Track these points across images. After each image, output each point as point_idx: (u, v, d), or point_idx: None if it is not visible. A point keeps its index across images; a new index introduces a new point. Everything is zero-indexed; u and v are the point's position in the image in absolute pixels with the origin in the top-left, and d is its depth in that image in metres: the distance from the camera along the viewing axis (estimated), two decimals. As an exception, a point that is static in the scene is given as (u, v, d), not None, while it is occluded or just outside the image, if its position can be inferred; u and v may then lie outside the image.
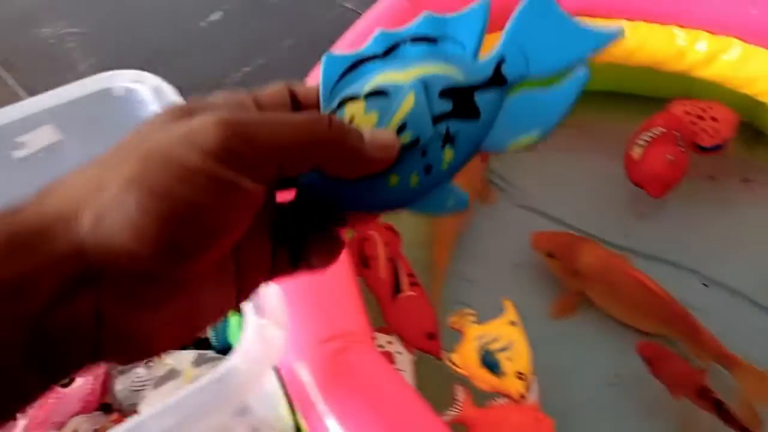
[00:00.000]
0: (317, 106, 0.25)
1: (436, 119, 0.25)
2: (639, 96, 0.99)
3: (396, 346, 0.71)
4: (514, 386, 0.67)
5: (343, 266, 0.62)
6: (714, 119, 0.86)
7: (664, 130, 0.84)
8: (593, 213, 0.88)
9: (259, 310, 0.48)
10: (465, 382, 0.69)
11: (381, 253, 0.78)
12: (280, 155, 0.20)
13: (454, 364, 0.70)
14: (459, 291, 0.82)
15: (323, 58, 0.26)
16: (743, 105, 0.90)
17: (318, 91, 0.26)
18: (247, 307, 0.49)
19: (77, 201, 0.18)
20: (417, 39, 0.27)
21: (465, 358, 0.70)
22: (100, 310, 0.18)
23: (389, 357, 0.70)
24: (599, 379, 0.74)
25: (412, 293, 0.75)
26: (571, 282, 0.80)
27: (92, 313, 0.18)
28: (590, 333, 0.77)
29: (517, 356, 0.69)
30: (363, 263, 0.78)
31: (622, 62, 0.92)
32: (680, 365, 0.69)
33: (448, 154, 0.25)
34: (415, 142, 0.25)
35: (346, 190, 0.25)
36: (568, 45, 0.26)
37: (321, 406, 0.50)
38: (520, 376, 0.68)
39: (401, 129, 0.25)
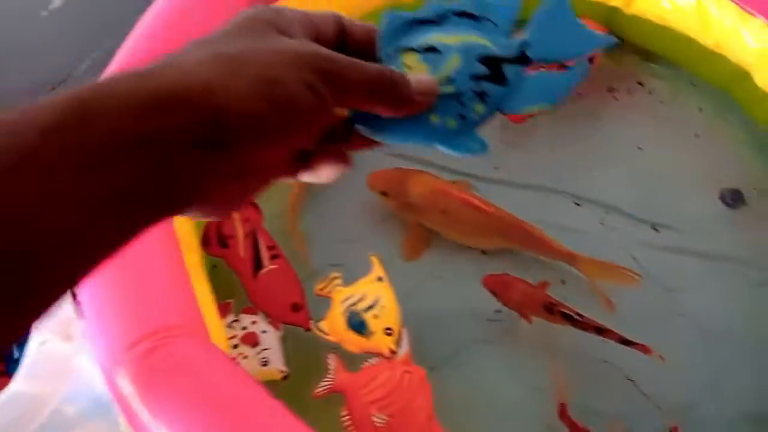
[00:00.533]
0: (364, 42, 0.30)
1: (474, 78, 0.32)
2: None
3: (260, 325, 0.67)
4: (384, 343, 0.65)
5: (166, 255, 0.57)
6: None
7: None
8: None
9: (41, 324, 0.44)
10: (337, 349, 0.67)
11: (239, 230, 0.74)
12: (356, 93, 0.27)
13: (323, 332, 0.67)
14: (332, 254, 0.79)
15: (385, 15, 0.32)
16: (600, 13, 0.88)
17: (365, 30, 0.31)
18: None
19: (212, 79, 0.23)
20: (462, 14, 0.35)
21: (333, 324, 0.67)
22: (206, 170, 0.23)
23: (253, 338, 0.67)
24: (480, 315, 0.73)
25: (274, 266, 0.71)
26: (409, 216, 0.78)
27: (202, 171, 0.23)
28: (463, 272, 0.75)
29: (384, 312, 0.66)
30: (221, 243, 0.73)
31: None
32: (523, 288, 0.69)
33: (479, 108, 0.33)
34: (455, 94, 0.32)
35: (396, 123, 0.30)
36: (576, 42, 0.34)
37: (144, 415, 0.46)
38: (387, 331, 0.65)
39: (446, 81, 0.31)
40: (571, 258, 0.72)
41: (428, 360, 0.68)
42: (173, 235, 0.60)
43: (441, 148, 0.32)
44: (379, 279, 0.69)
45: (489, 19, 0.36)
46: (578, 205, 0.79)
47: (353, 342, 0.66)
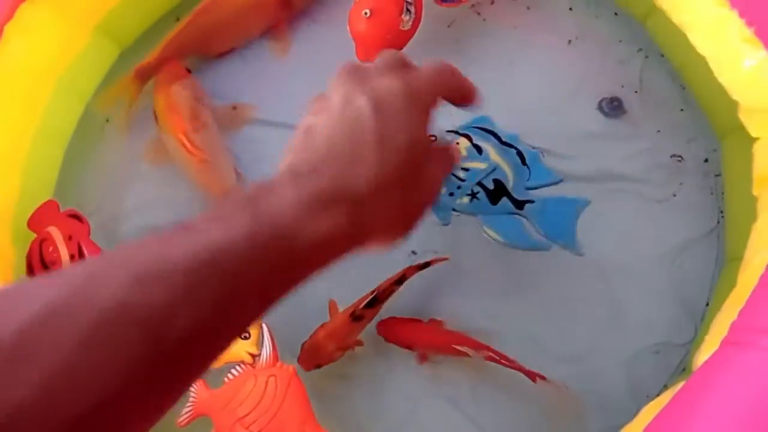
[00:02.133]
0: None
1: (479, 184, 0.57)
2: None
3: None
4: (242, 349, 0.57)
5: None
6: None
7: None
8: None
9: None
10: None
11: (63, 252, 0.63)
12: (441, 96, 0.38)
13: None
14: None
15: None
16: None
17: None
18: None
19: (346, 172, 0.32)
20: (508, 144, 0.61)
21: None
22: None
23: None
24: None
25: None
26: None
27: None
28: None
29: None
30: (46, 270, 0.63)
31: None
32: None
33: (464, 200, 0.58)
34: (461, 179, 0.56)
35: None
36: (565, 231, 0.62)
37: None
38: (244, 336, 0.57)
39: (465, 170, 0.56)
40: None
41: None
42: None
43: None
44: None
45: (527, 165, 0.61)
46: (457, 143, 0.70)
47: None
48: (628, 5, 0.72)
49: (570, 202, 0.65)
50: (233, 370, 0.57)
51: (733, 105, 0.59)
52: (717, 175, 0.66)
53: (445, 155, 0.39)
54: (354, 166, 0.31)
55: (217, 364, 0.57)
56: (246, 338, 0.57)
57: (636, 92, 0.70)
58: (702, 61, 0.61)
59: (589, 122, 0.70)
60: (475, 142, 0.65)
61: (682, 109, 0.69)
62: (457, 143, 0.64)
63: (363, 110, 0.32)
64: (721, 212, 0.65)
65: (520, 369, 0.58)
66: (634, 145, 0.68)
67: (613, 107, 0.69)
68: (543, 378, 0.58)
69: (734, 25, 0.55)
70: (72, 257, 0.63)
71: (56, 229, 0.65)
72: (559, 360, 0.62)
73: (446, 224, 0.64)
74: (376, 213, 0.32)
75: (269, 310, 0.31)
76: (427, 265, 0.62)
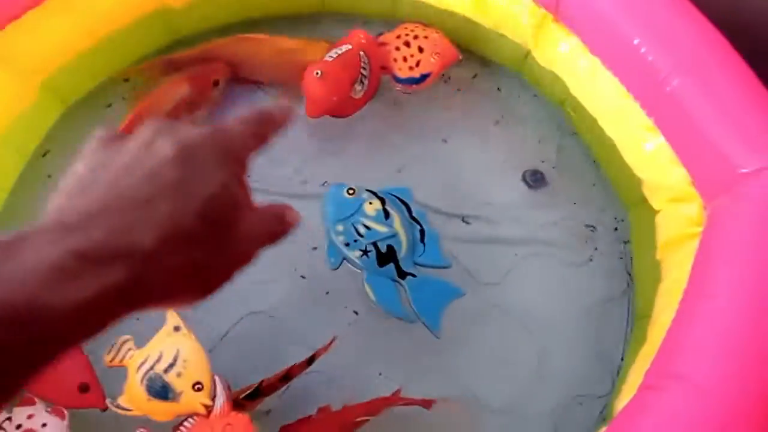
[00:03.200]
0: None
1: (372, 244, 0.66)
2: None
3: (39, 417, 0.57)
4: (196, 401, 0.57)
5: None
6: (421, 50, 0.78)
7: (350, 47, 0.75)
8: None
9: None
10: (146, 422, 0.58)
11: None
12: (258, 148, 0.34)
13: (123, 408, 0.58)
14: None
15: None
16: (379, 2, 0.85)
17: None
18: None
19: (131, 223, 0.27)
20: (416, 220, 0.70)
21: (133, 396, 0.58)
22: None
23: (33, 436, 0.56)
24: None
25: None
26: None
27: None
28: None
29: (188, 367, 0.58)
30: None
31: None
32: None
33: (357, 253, 0.65)
34: (361, 235, 0.66)
35: None
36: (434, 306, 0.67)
37: None
38: (197, 387, 0.58)
39: (367, 228, 0.66)
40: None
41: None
42: None
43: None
44: (176, 329, 0.61)
45: (424, 243, 0.68)
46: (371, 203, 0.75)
47: (161, 411, 0.58)
48: (547, 91, 0.81)
49: (446, 289, 0.68)
50: (186, 423, 0.57)
51: (638, 181, 0.68)
52: (626, 242, 0.74)
53: (272, 220, 0.33)
54: (142, 216, 0.27)
55: (169, 417, 0.58)
56: (199, 389, 0.58)
57: (554, 167, 0.79)
58: (610, 142, 0.70)
59: (513, 192, 0.77)
60: (387, 207, 0.68)
61: (594, 184, 0.78)
62: (371, 203, 0.68)
63: (164, 154, 0.29)
64: (630, 276, 0.73)
65: (413, 402, 0.63)
66: (554, 214, 0.76)
67: (535, 179, 0.77)
68: (433, 401, 0.64)
69: (636, 114, 0.64)
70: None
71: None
72: (491, 412, 0.66)
73: (334, 269, 0.67)
74: (165, 271, 0.27)
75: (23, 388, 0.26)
76: (312, 359, 0.63)
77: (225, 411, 0.57)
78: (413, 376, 0.67)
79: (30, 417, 0.57)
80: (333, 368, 0.67)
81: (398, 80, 0.79)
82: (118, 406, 0.58)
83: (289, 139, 0.80)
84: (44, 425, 0.57)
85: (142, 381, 0.58)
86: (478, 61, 0.86)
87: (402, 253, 0.67)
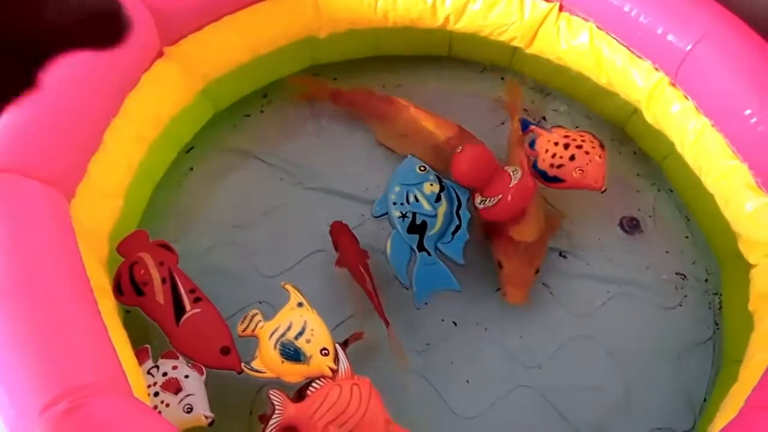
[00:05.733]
0: None
1: (414, 214, 0.77)
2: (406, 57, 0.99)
3: (182, 370, 0.65)
4: (323, 364, 0.65)
5: (80, 310, 0.53)
6: (572, 158, 0.78)
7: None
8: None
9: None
10: (277, 384, 0.65)
11: (155, 275, 0.70)
12: None
13: (257, 371, 0.66)
14: (254, 291, 0.78)
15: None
16: (501, 52, 0.93)
17: None
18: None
19: None
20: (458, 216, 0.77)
21: (267, 360, 0.66)
22: None
23: (175, 384, 0.64)
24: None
25: (197, 310, 0.68)
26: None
27: None
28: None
29: (315, 335, 0.67)
30: (137, 291, 0.69)
31: (380, 25, 0.91)
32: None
33: (397, 213, 0.77)
34: (408, 202, 0.77)
35: None
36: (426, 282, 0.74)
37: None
38: (324, 352, 0.66)
39: (416, 200, 0.77)
40: None
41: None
42: (86, 281, 0.57)
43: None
44: (300, 305, 0.70)
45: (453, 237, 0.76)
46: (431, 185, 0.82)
47: (293, 372, 0.65)
48: (649, 146, 0.88)
49: (446, 278, 0.74)
50: (314, 384, 0.64)
51: (734, 236, 0.73)
52: (715, 294, 0.79)
53: None
54: None
55: (299, 379, 0.65)
56: (326, 354, 0.65)
57: (650, 216, 0.85)
58: (710, 197, 0.76)
59: (610, 235, 0.83)
60: (441, 193, 0.77)
61: (687, 236, 0.84)
62: (431, 185, 0.78)
63: None
64: (717, 325, 0.77)
65: (380, 310, 0.72)
66: (646, 259, 0.82)
67: (632, 225, 0.83)
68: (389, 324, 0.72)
69: (742, 174, 0.70)
70: (163, 281, 0.70)
71: (148, 255, 0.72)
72: (575, 431, 0.71)
73: (375, 216, 0.78)
74: None
75: None
76: (346, 343, 0.70)
77: (348, 373, 0.64)
78: (501, 391, 0.73)
79: (174, 368, 0.65)
80: (430, 372, 0.74)
81: (534, 166, 0.81)
82: (252, 369, 0.65)
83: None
84: (186, 377, 0.64)
85: (275, 346, 0.66)
86: (581, 112, 0.94)
87: (430, 232, 0.76)
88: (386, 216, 0.77)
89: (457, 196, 0.79)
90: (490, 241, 0.80)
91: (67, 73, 0.65)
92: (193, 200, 0.87)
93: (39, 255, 0.53)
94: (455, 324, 0.78)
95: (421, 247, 0.75)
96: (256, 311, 0.69)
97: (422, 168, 0.79)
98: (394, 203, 0.77)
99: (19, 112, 0.60)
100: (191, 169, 0.89)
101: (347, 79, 0.96)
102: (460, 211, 0.78)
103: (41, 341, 0.48)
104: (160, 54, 0.79)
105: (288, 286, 0.71)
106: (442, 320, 0.78)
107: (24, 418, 0.44)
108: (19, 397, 0.45)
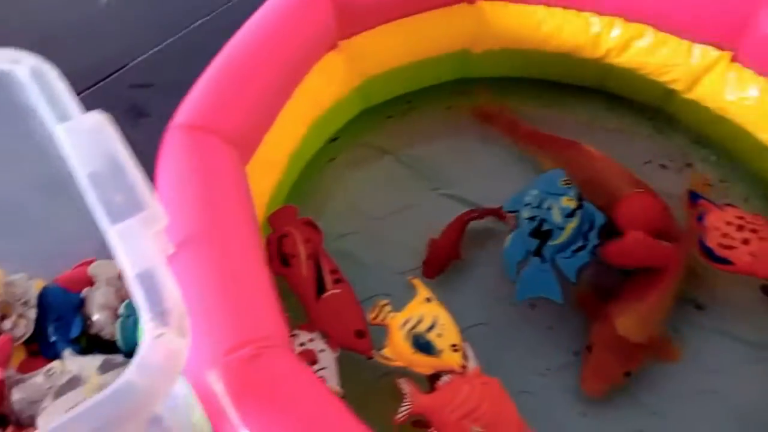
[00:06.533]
0: None
1: (542, 220, 0.78)
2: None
3: (318, 343, 0.67)
4: (453, 360, 0.66)
5: (257, 266, 0.57)
6: (745, 242, 0.75)
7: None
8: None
9: (158, 317, 0.42)
10: (399, 373, 0.66)
11: (301, 250, 0.73)
12: None
13: (387, 358, 0.67)
14: (376, 283, 0.79)
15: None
16: (656, 92, 0.92)
17: None
18: (142, 311, 0.43)
19: None
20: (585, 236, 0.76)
21: (397, 349, 0.67)
22: None
23: (311, 355, 0.66)
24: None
25: (337, 290, 0.71)
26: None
27: None
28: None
29: (446, 330, 0.68)
30: (283, 262, 0.73)
31: (538, 48, 0.92)
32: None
33: (526, 214, 0.79)
34: (542, 208, 0.79)
35: None
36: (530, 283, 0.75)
37: (234, 417, 0.45)
38: (454, 348, 0.66)
39: (548, 209, 0.78)
40: None
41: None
42: (259, 240, 0.60)
43: None
44: (428, 300, 0.71)
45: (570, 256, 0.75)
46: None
47: (423, 363, 0.66)
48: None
49: (551, 287, 0.74)
50: (444, 377, 0.65)
51: None
52: None
53: None
54: None
55: (428, 370, 0.66)
56: (456, 351, 0.66)
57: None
58: None
59: (750, 294, 0.80)
60: (577, 211, 0.77)
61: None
62: (569, 200, 0.78)
63: None
64: None
65: None
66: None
67: (771, 292, 0.80)
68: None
69: None
70: (308, 257, 0.73)
71: (296, 231, 0.75)
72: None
73: (506, 211, 0.81)
74: None
75: None
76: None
77: (476, 372, 0.65)
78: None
79: (311, 340, 0.67)
80: (547, 408, 0.72)
81: (701, 244, 0.78)
82: (382, 356, 0.67)
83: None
84: (321, 351, 0.66)
85: (407, 337, 0.67)
86: (732, 166, 0.91)
87: (552, 242, 0.76)
88: (515, 213, 0.80)
89: (593, 219, 0.78)
90: (583, 309, 0.78)
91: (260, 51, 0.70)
92: (331, 187, 0.90)
93: (226, 209, 0.57)
94: (575, 354, 0.76)
95: (537, 253, 0.76)
96: (385, 301, 0.71)
97: (566, 182, 0.80)
98: (527, 204, 0.79)
99: (217, 80, 0.65)
100: (333, 158, 0.93)
101: (488, 96, 0.98)
102: (590, 234, 0.77)
103: (228, 289, 0.51)
104: (334, 46, 0.83)
105: (416, 281, 0.72)
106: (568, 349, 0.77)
107: (208, 357, 0.47)
108: (207, 336, 0.48)
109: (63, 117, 0.53)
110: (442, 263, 0.81)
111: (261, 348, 0.48)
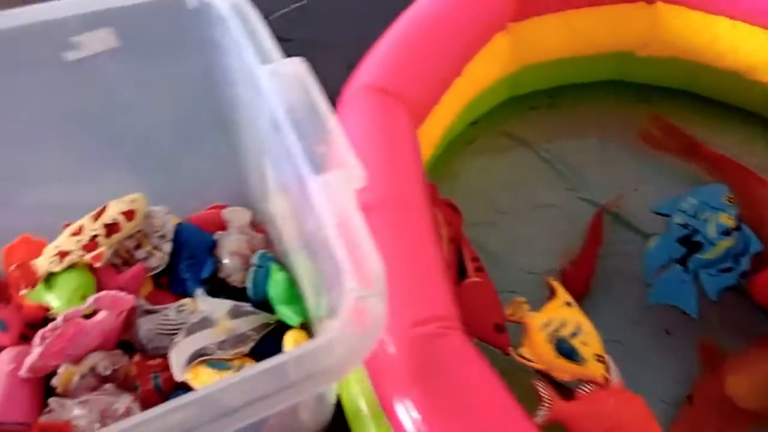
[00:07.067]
0: None
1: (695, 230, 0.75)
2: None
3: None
4: (597, 370, 0.62)
5: (434, 240, 0.54)
6: None
7: None
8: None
9: (360, 279, 0.41)
10: (535, 375, 0.63)
11: (444, 232, 0.71)
12: None
13: (525, 358, 0.64)
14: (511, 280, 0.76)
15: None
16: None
17: None
18: (342, 269, 0.41)
19: None
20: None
21: (537, 350, 0.64)
22: None
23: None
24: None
25: (478, 279, 0.68)
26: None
27: None
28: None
29: (590, 339, 0.64)
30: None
31: (710, 62, 0.86)
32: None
33: (679, 219, 0.76)
34: (699, 218, 0.76)
35: None
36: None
37: (404, 391, 0.43)
38: (599, 358, 0.63)
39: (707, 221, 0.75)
40: None
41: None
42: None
43: None
44: (568, 304, 0.67)
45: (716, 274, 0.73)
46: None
47: (565, 369, 0.63)
48: None
49: (688, 299, 0.71)
50: (585, 387, 0.61)
51: None
52: None
53: None
54: None
55: (568, 377, 0.63)
56: (601, 361, 0.62)
57: None
58: None
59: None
60: (734, 230, 0.74)
61: None
62: (730, 219, 0.75)
63: None
64: None
65: None
66: None
67: None
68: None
69: None
70: (451, 240, 0.70)
71: (439, 211, 0.73)
72: None
73: (654, 211, 0.78)
74: None
75: None
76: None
77: (620, 386, 0.61)
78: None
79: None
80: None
81: None
82: (520, 355, 0.64)
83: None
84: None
85: (549, 340, 0.64)
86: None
87: (698, 255, 0.73)
88: (665, 216, 0.77)
89: (748, 243, 0.74)
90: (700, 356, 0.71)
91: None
92: (466, 172, 0.87)
93: (410, 178, 0.55)
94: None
95: (681, 261, 0.74)
96: (522, 299, 0.67)
97: (730, 199, 0.77)
98: (682, 211, 0.76)
99: (401, 45, 0.63)
100: (471, 142, 0.90)
101: (659, 120, 0.92)
102: (741, 258, 0.73)
103: (415, 261, 0.50)
104: (503, 27, 0.80)
105: (556, 283, 0.69)
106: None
107: (397, 326, 0.46)
108: (394, 305, 0.47)
109: (264, 59, 0.52)
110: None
111: (445, 327, 0.46)
